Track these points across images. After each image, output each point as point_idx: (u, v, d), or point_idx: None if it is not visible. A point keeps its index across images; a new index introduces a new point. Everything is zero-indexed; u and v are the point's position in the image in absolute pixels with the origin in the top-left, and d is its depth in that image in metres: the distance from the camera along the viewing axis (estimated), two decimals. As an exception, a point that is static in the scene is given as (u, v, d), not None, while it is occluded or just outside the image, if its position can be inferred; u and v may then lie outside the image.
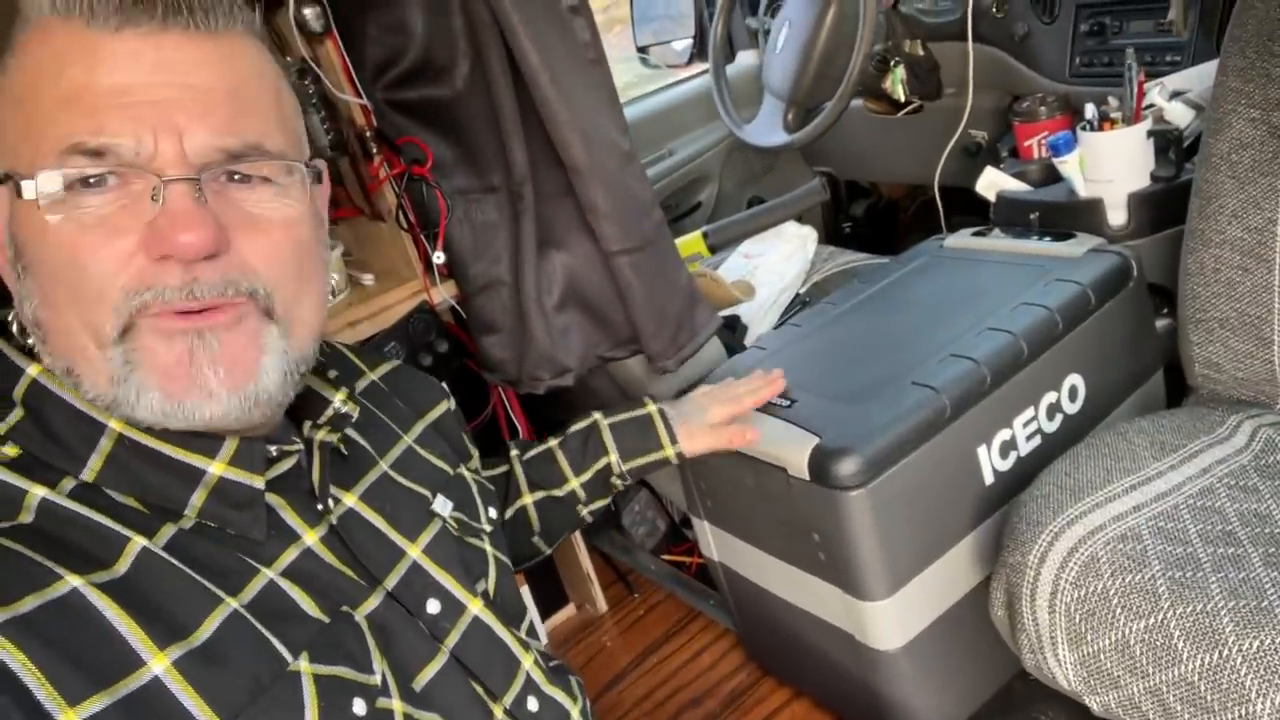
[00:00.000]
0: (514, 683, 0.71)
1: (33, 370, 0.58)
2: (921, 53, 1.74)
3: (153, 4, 0.54)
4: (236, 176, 0.56)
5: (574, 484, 1.02)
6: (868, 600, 1.01)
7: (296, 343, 0.60)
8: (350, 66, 1.13)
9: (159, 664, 0.51)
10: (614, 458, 1.02)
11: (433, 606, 0.68)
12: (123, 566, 0.54)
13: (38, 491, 0.54)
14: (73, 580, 0.51)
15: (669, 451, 1.03)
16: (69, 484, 0.56)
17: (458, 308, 1.25)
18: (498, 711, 0.69)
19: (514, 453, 1.02)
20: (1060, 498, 0.94)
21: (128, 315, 0.53)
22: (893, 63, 1.75)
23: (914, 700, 1.08)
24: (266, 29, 1.16)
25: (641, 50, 2.33)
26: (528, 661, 0.73)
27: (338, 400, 0.68)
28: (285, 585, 0.60)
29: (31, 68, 0.54)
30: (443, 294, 1.22)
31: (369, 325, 1.19)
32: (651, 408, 1.04)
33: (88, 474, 0.57)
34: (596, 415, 1.04)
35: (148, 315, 0.54)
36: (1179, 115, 1.31)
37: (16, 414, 0.58)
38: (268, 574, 0.59)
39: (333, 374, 0.71)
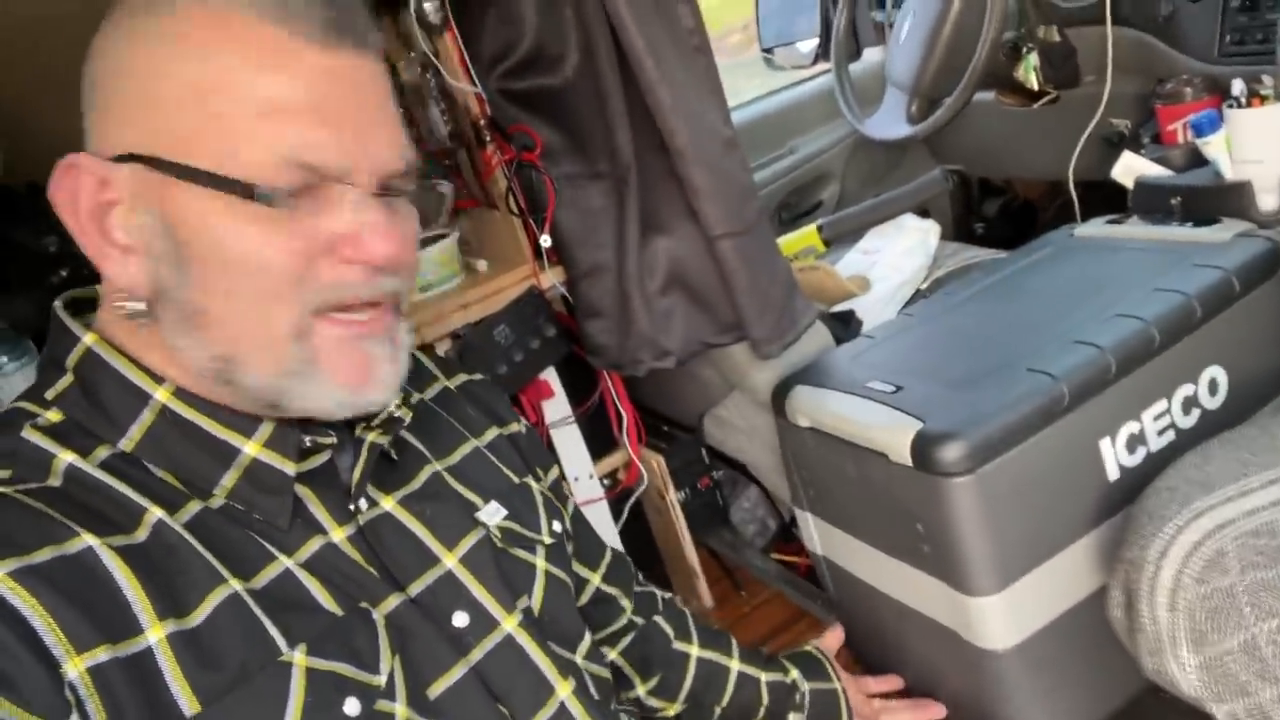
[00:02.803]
0: (542, 711, 0.68)
1: (88, 339, 0.59)
2: (1057, 38, 1.65)
3: (349, 26, 0.57)
4: (394, 191, 0.61)
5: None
6: (974, 595, 0.96)
7: (411, 331, 0.66)
8: (466, 57, 1.17)
9: (154, 634, 0.52)
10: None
11: (459, 619, 0.66)
12: (141, 534, 0.55)
13: (65, 457, 0.56)
14: (89, 539, 0.53)
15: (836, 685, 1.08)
16: (104, 453, 0.58)
17: (565, 293, 1.27)
18: None
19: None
20: (1188, 490, 0.87)
21: (309, 314, 0.57)
22: (1025, 50, 1.68)
23: (1027, 708, 1.02)
24: (392, 29, 1.24)
25: (766, 51, 2.31)
26: (564, 690, 0.69)
27: (392, 404, 0.68)
28: (302, 576, 0.60)
29: (222, 62, 0.54)
30: (551, 279, 1.25)
31: (479, 309, 1.23)
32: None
33: (127, 443, 0.58)
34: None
35: (323, 317, 0.58)
36: (1343, 90, 1.20)
37: (66, 380, 0.59)
38: (285, 562, 0.60)
39: None
